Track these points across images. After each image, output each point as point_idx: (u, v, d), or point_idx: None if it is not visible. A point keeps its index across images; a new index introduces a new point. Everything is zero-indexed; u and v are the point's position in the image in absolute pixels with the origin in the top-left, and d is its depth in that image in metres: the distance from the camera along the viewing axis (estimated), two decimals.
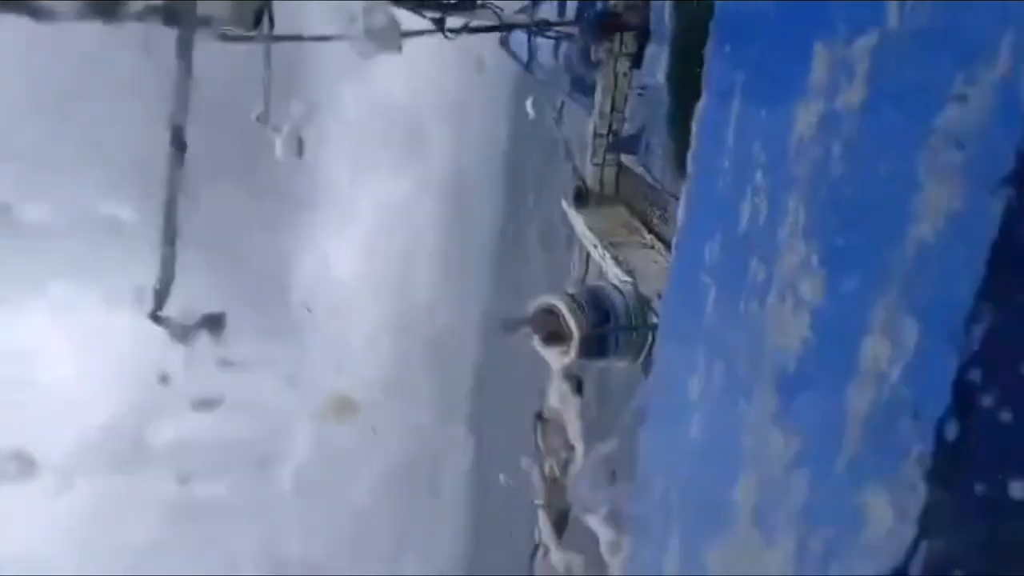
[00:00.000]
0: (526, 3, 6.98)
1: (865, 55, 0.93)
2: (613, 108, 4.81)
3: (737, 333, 1.32)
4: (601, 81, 4.84)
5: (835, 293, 1.01)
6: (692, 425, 1.49)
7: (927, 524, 0.72)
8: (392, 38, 4.22)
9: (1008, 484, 0.72)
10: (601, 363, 3.78)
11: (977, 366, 0.74)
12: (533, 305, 3.78)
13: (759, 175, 1.31)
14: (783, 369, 1.15)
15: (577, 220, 4.66)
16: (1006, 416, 0.74)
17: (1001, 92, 0.69)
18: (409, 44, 4.52)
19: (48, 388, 14.14)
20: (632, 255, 4.14)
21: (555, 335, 3.62)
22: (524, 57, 7.86)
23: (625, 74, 4.59)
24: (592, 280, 4.62)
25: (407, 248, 18.03)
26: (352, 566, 16.82)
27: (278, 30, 4.20)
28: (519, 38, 7.01)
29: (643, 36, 4.49)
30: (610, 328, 3.58)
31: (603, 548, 3.10)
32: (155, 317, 3.95)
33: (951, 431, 0.75)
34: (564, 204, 5.13)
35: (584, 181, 4.98)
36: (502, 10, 5.10)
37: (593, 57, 5.01)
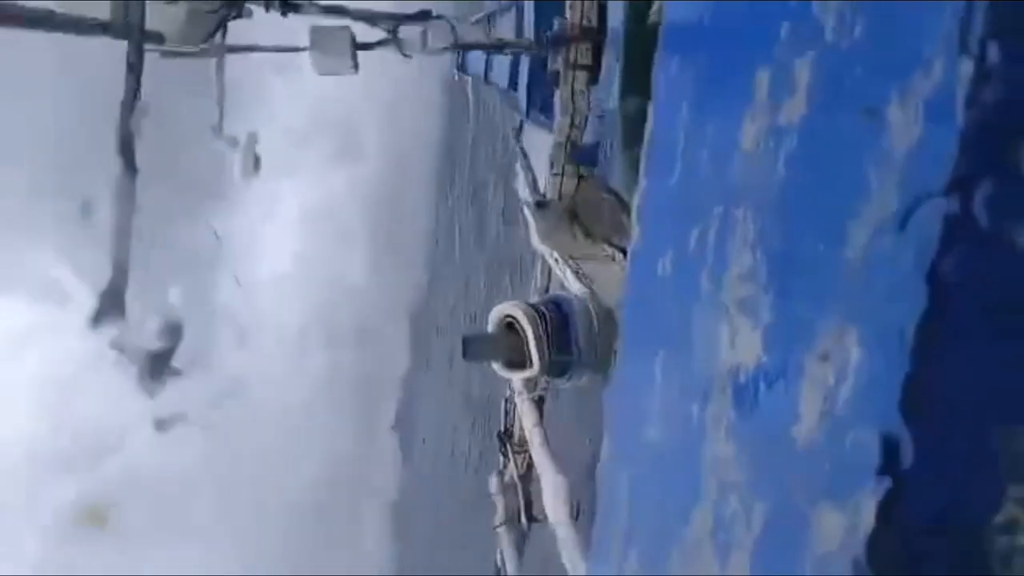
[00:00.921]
0: (481, 16, 6.97)
1: (805, 68, 0.93)
2: (572, 124, 4.76)
3: (690, 346, 1.32)
4: (559, 96, 4.81)
5: (781, 307, 1.00)
6: (649, 440, 1.48)
7: (874, 543, 0.71)
8: (345, 61, 4.22)
9: (958, 502, 0.71)
10: (564, 381, 3.76)
11: (925, 381, 0.74)
12: (492, 317, 3.74)
13: (709, 187, 1.31)
14: (736, 383, 1.14)
15: (535, 231, 4.64)
16: (957, 429, 0.74)
17: (935, 106, 0.69)
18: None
19: None
20: (592, 267, 4.13)
21: (517, 354, 3.58)
22: (481, 72, 7.86)
23: (582, 91, 4.56)
24: (553, 291, 4.61)
25: (336, 246, 18.00)
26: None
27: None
28: (475, 53, 7.00)
29: (597, 48, 4.48)
30: (573, 352, 3.55)
31: (566, 565, 3.08)
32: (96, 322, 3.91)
33: (901, 448, 0.74)
34: (523, 215, 5.11)
35: (542, 193, 4.98)
36: (458, 21, 5.07)
37: (550, 67, 4.99)
